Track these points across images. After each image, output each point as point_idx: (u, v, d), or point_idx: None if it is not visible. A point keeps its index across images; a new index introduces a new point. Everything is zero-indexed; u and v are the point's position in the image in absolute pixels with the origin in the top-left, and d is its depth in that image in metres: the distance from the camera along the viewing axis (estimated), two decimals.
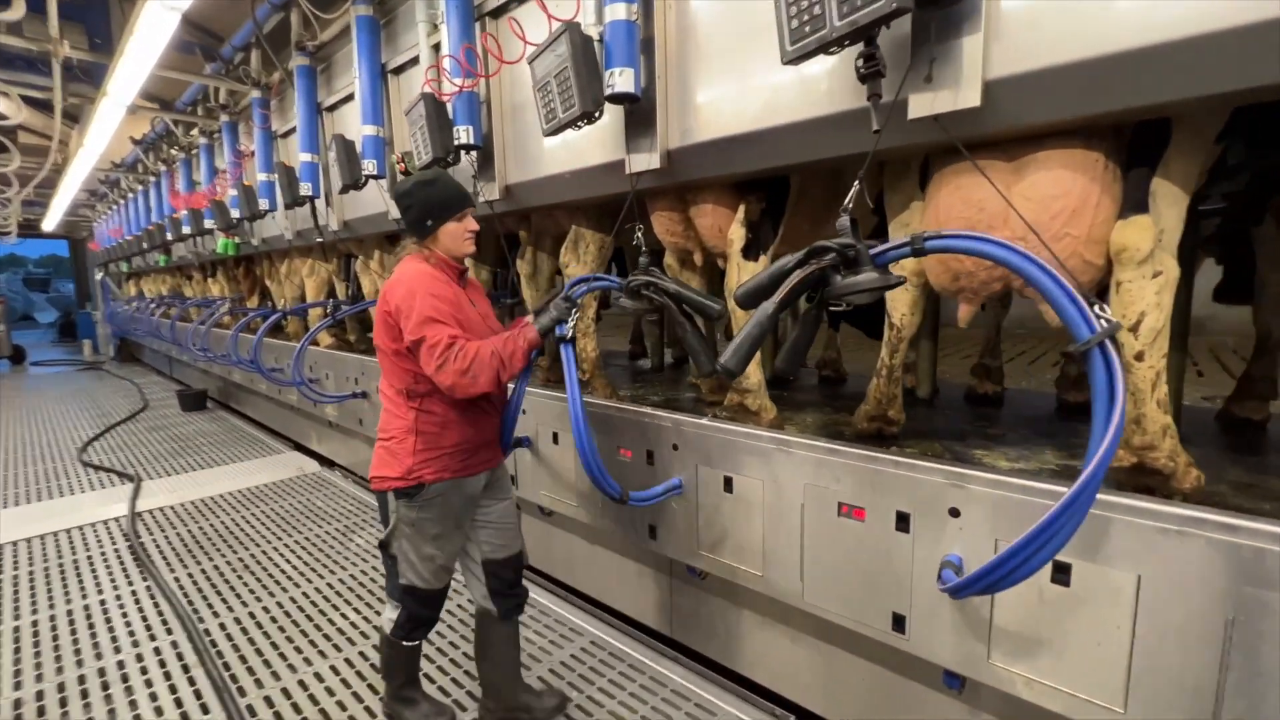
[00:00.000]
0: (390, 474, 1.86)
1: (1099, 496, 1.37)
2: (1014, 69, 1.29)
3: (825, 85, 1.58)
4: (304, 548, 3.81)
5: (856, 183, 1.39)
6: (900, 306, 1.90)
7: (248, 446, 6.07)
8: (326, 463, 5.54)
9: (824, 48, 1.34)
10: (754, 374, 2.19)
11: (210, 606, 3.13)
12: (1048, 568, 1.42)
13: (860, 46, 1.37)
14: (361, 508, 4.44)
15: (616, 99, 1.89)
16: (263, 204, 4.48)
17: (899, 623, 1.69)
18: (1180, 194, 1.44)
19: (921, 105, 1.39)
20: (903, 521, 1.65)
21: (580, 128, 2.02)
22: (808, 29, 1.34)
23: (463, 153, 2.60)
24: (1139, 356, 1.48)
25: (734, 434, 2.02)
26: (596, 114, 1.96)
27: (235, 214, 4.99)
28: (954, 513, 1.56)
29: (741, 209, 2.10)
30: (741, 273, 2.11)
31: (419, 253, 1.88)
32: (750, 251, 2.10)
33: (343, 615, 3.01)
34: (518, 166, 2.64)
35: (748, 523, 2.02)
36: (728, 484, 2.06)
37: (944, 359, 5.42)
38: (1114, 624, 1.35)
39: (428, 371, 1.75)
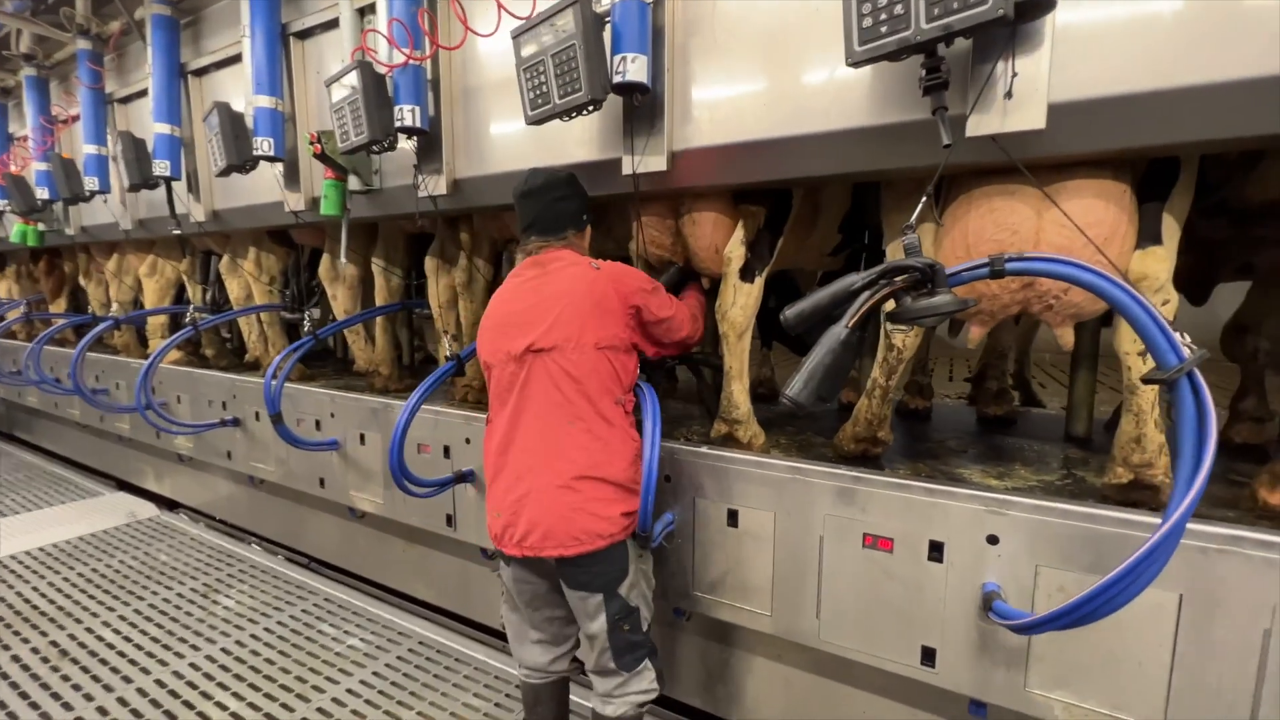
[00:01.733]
0: (626, 509, 1.67)
1: (1139, 519, 1.41)
2: (1078, 94, 1.29)
3: (870, 93, 1.51)
4: (150, 619, 3.01)
5: (925, 197, 1.32)
6: None
7: (49, 488, 4.80)
8: (167, 504, 4.53)
9: (902, 51, 1.25)
10: (744, 402, 2.06)
11: (14, 717, 2.31)
12: None
13: (923, 56, 1.30)
14: (223, 559, 3.64)
15: (624, 89, 1.67)
16: (89, 183, 3.56)
17: (929, 656, 1.63)
18: (1178, 228, 1.55)
19: (982, 124, 1.35)
20: (936, 551, 1.60)
21: (571, 118, 1.77)
22: (884, 29, 1.25)
23: (402, 138, 2.20)
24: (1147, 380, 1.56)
25: (743, 463, 1.86)
26: (593, 107, 1.72)
27: (43, 194, 3.93)
28: (992, 540, 1.54)
29: (740, 225, 1.97)
30: (738, 295, 1.98)
31: (570, 247, 1.80)
32: (747, 272, 1.98)
33: (219, 705, 2.37)
34: (469, 159, 2.29)
35: (755, 559, 1.87)
36: (732, 517, 1.89)
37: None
38: (1156, 643, 1.38)
39: (684, 334, 1.88)
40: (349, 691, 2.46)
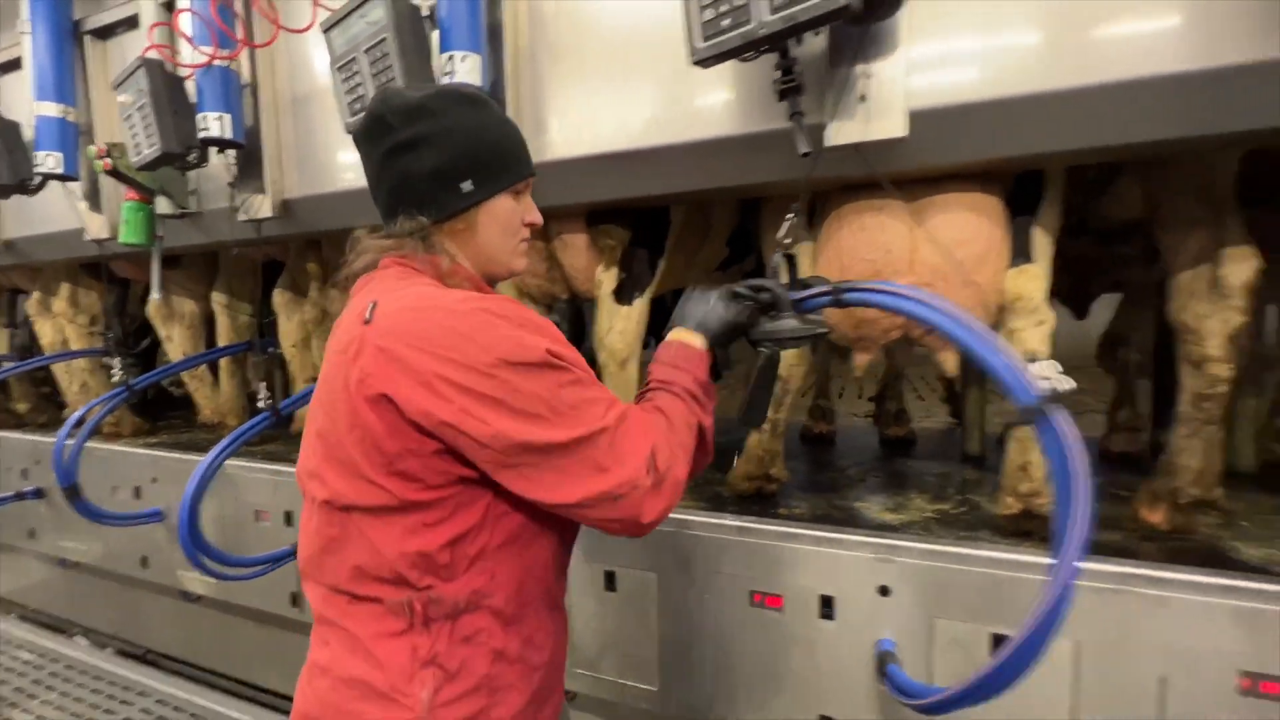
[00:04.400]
0: None
1: (1031, 560, 1.29)
2: (941, 100, 1.19)
3: (733, 99, 1.36)
4: None
5: (791, 215, 1.16)
6: (788, 356, 1.74)
7: None
8: None
9: (748, 47, 1.09)
10: None
11: None
12: (988, 643, 1.29)
13: (777, 57, 1.16)
14: (33, 660, 2.98)
15: None
16: None
17: None
18: (1050, 245, 1.49)
19: (841, 132, 1.22)
20: (827, 606, 1.42)
21: None
22: (726, 22, 1.09)
23: (214, 151, 1.86)
24: None
25: None
26: None
27: None
28: (884, 591, 1.38)
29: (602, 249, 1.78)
30: (614, 319, 1.78)
31: (416, 258, 0.91)
32: (624, 294, 1.78)
33: None
34: (303, 176, 1.98)
35: (638, 627, 1.63)
36: (610, 580, 1.65)
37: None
38: (1055, 698, 1.25)
39: (614, 516, 0.82)
40: None
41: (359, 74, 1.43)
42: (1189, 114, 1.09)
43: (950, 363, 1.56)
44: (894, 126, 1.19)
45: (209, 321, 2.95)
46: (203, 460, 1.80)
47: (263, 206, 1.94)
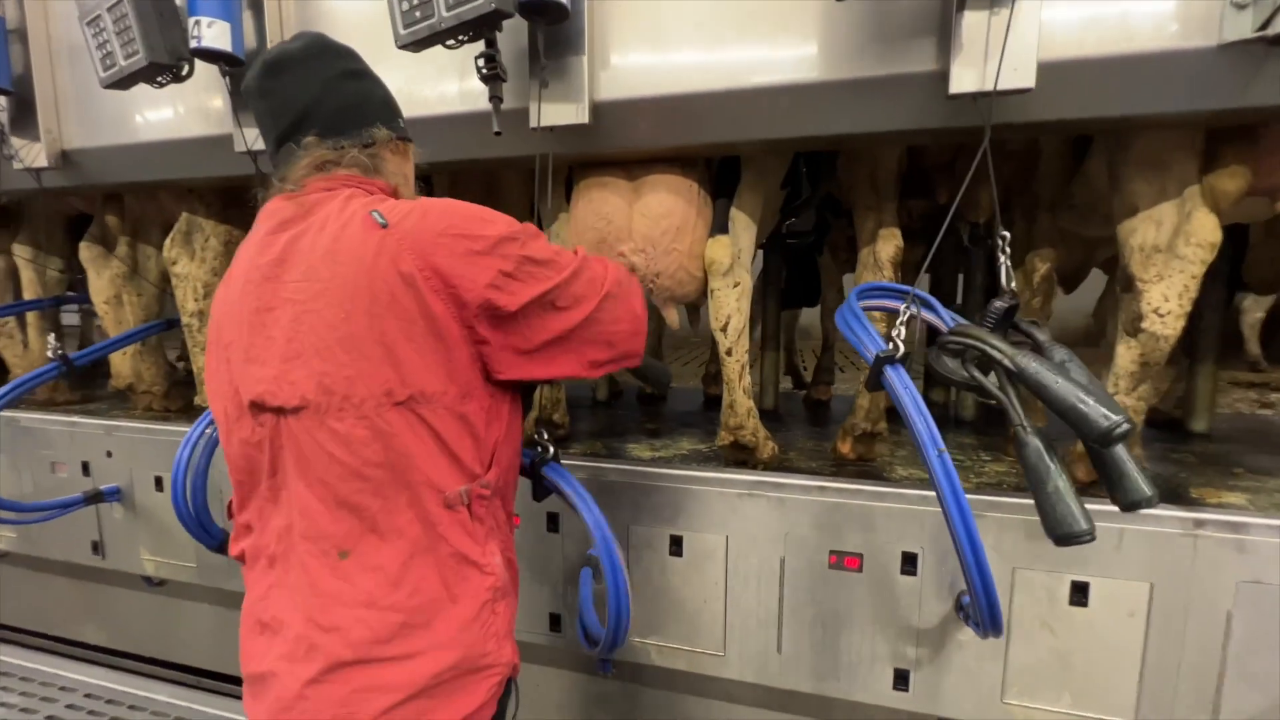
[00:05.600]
0: (456, 713, 0.92)
1: (685, 473, 1.60)
2: (618, 94, 1.42)
3: (456, 84, 1.54)
4: None
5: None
6: None
7: None
8: None
9: (436, 38, 1.28)
10: None
11: None
12: (668, 543, 1.60)
13: (482, 46, 1.35)
14: None
15: (207, 55, 1.53)
16: None
17: (555, 622, 1.72)
18: (750, 221, 1.78)
19: (543, 115, 1.44)
20: (552, 523, 1.69)
21: (162, 85, 1.59)
22: (418, 14, 1.26)
23: None
24: (729, 352, 1.78)
25: None
26: (184, 71, 1.56)
27: None
28: None
29: None
30: None
31: (373, 174, 1.02)
32: None
33: None
34: (87, 127, 1.98)
35: None
36: None
37: None
38: (714, 581, 1.57)
39: (623, 331, 1.09)
40: None
41: (106, 32, 1.49)
42: (813, 116, 1.39)
43: (671, 318, 1.83)
44: (580, 114, 1.41)
45: (15, 276, 2.83)
46: None
47: (38, 156, 1.94)
